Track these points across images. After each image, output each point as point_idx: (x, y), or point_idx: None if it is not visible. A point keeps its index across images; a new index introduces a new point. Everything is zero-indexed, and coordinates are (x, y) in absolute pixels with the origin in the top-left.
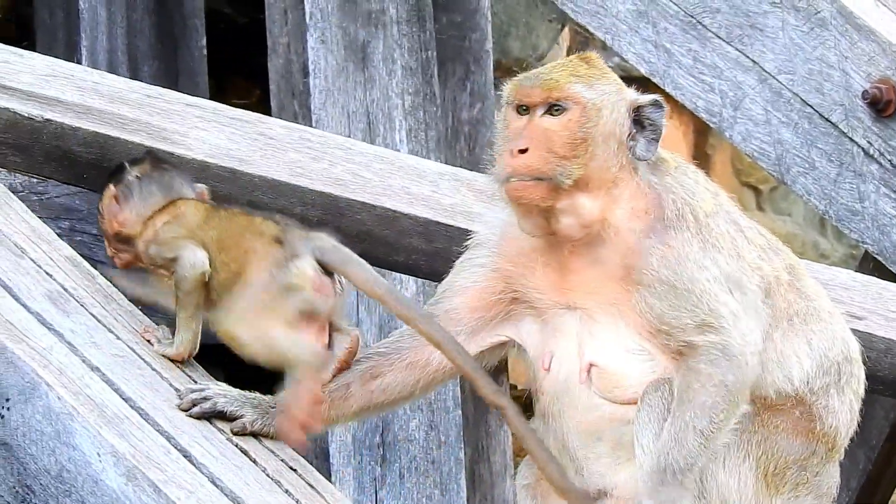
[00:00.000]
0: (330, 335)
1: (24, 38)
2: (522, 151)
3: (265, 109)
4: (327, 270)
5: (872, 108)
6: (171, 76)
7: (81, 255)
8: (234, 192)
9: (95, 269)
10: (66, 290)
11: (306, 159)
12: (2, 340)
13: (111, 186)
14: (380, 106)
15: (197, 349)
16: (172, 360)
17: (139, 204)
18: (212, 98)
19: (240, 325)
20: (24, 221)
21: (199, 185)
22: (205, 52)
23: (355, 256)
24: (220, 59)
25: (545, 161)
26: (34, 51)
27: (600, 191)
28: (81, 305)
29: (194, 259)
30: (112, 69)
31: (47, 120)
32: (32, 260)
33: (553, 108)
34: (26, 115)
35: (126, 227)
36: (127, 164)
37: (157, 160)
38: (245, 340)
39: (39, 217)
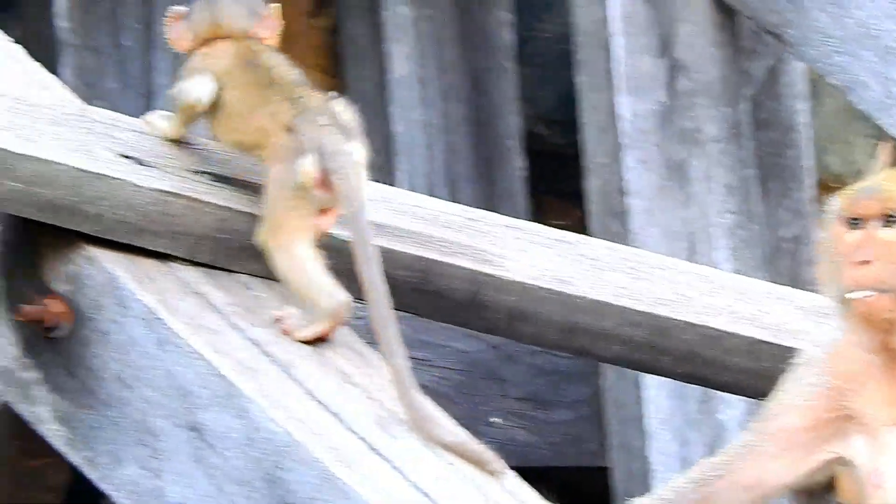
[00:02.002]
0: None
1: None
2: (865, 264)
3: (583, 230)
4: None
5: None
6: (489, 198)
7: None
8: (555, 313)
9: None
10: (391, 413)
11: (629, 279)
12: (328, 467)
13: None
14: (700, 225)
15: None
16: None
17: (193, 24)
18: (530, 219)
19: (271, 233)
20: (348, 347)
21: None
22: (523, 173)
23: (353, 164)
24: (537, 181)
25: (890, 273)
26: None
27: None
28: (407, 428)
29: (192, 88)
30: (431, 192)
31: None
32: (357, 385)
33: (889, 220)
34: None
35: (177, 46)
36: None
37: None
38: (275, 258)
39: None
